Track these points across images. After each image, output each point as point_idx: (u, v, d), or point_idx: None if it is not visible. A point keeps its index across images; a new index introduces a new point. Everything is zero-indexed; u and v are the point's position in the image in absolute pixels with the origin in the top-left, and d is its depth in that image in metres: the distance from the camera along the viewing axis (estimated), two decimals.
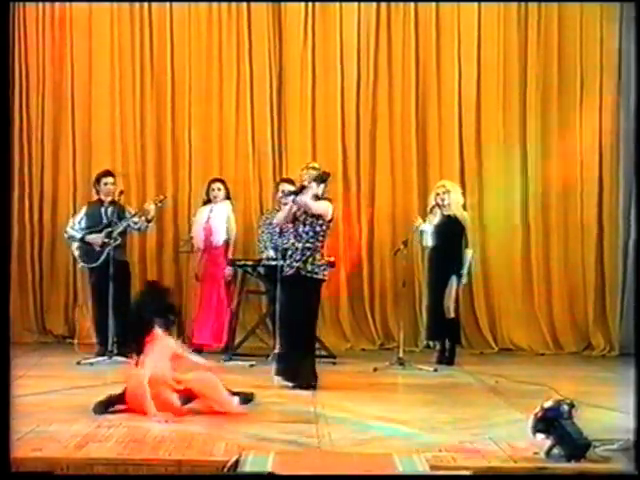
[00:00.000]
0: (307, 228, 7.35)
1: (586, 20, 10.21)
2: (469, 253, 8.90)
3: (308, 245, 7.32)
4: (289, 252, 7.46)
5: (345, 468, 4.64)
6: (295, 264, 7.32)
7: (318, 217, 7.39)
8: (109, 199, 9.00)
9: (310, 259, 7.30)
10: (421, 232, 8.96)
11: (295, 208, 7.44)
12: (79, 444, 5.09)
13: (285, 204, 7.95)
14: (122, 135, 10.36)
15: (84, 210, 9.15)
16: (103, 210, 8.97)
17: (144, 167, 10.35)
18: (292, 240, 7.45)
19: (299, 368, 7.24)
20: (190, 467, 4.74)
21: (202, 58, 10.39)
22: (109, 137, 10.36)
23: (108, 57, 10.36)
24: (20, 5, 10.15)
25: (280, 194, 8.95)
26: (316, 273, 7.33)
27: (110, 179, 9.04)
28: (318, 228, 7.38)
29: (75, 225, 9.02)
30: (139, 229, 9.08)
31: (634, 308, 9.63)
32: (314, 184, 7.43)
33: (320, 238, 7.38)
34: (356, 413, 6.25)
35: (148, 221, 9.02)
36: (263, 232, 9.26)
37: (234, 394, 6.29)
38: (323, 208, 7.39)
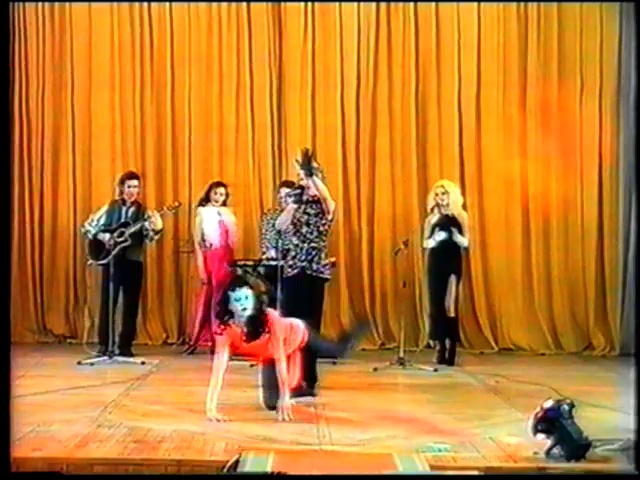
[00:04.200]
0: (311, 228, 7.35)
1: (586, 20, 10.20)
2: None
3: (313, 245, 7.32)
4: (292, 253, 7.45)
5: (345, 468, 4.64)
6: (300, 264, 7.31)
7: (321, 217, 7.39)
8: (132, 200, 9.02)
9: (315, 258, 7.30)
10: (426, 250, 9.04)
11: (294, 210, 7.43)
12: (79, 444, 5.09)
13: (286, 205, 7.95)
14: (122, 135, 10.37)
15: (105, 208, 9.14)
16: (124, 210, 9.00)
17: (144, 167, 10.33)
18: (295, 241, 7.44)
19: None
20: (190, 467, 4.74)
21: (202, 58, 10.39)
22: (109, 137, 10.36)
23: (108, 57, 10.36)
24: (20, 5, 10.15)
25: (280, 198, 8.97)
26: (322, 272, 7.35)
27: (134, 182, 9.09)
28: (322, 228, 7.38)
29: (93, 222, 9.02)
30: (146, 236, 9.05)
31: (634, 308, 9.63)
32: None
33: (324, 237, 7.40)
34: (356, 413, 6.26)
35: (155, 232, 9.02)
36: (267, 232, 9.25)
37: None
38: (328, 196, 7.39)
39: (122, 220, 8.92)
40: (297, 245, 7.41)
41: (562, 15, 10.24)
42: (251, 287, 6.09)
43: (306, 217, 7.38)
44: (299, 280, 7.31)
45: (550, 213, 10.23)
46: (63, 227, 10.25)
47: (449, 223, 8.80)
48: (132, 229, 8.85)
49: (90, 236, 8.96)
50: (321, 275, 7.33)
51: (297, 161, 7.40)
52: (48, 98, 10.35)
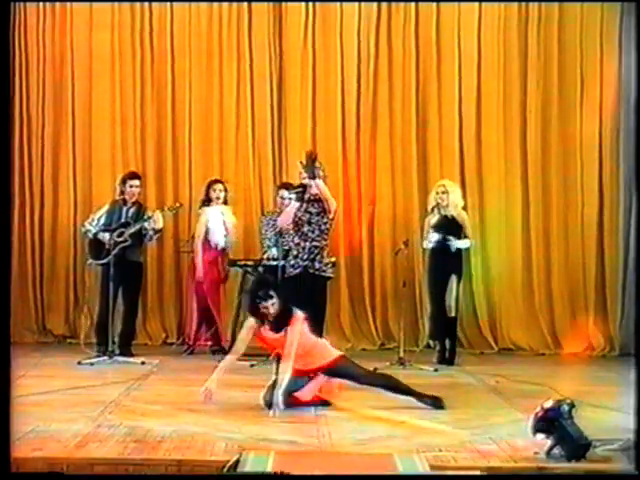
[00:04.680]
0: (313, 227, 7.39)
1: (586, 20, 10.20)
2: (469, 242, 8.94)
3: (315, 244, 7.36)
4: (293, 252, 7.46)
5: (345, 468, 4.64)
6: (302, 263, 7.33)
7: (322, 216, 7.42)
8: (133, 200, 9.02)
9: (318, 257, 7.35)
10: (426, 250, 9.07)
11: (296, 209, 7.44)
12: (79, 444, 5.09)
13: (286, 206, 7.96)
14: (122, 135, 10.38)
15: (106, 208, 9.14)
16: (125, 210, 8.99)
17: (144, 167, 10.34)
18: (297, 240, 7.45)
19: None
20: (190, 467, 4.74)
21: (202, 58, 10.39)
22: (109, 137, 10.37)
23: (108, 57, 10.37)
24: (20, 5, 10.15)
25: (279, 199, 8.97)
26: (324, 271, 7.41)
27: (136, 182, 9.10)
28: (323, 226, 7.43)
29: (94, 221, 9.03)
30: (145, 236, 9.04)
31: (634, 308, 9.63)
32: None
33: (325, 236, 7.46)
34: (356, 413, 6.25)
35: (155, 231, 9.01)
36: (266, 232, 9.25)
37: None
38: (330, 196, 7.46)
39: (123, 220, 8.92)
40: (299, 244, 7.42)
41: (562, 15, 10.23)
42: (276, 292, 6.30)
43: (308, 216, 7.41)
44: (301, 279, 7.33)
45: (550, 213, 10.24)
46: (63, 227, 10.24)
47: (447, 224, 8.81)
48: (132, 229, 8.85)
49: (90, 235, 8.97)
50: (323, 274, 7.39)
51: (301, 163, 7.45)
52: (48, 98, 10.35)
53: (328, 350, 6.53)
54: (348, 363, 6.59)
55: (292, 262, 7.47)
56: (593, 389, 7.27)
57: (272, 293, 6.28)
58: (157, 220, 8.96)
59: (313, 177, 7.38)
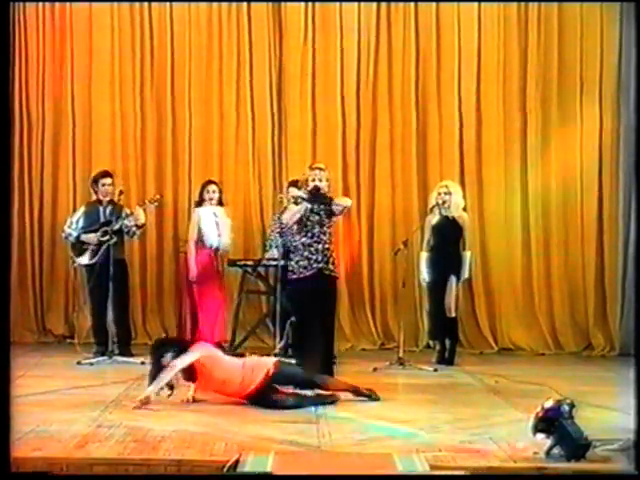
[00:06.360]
0: (324, 229, 7.42)
1: (586, 20, 10.21)
2: (468, 255, 8.92)
3: (327, 245, 7.41)
4: (304, 253, 7.42)
5: (345, 468, 4.64)
6: (316, 265, 7.34)
7: (330, 218, 7.46)
8: (107, 199, 9.00)
9: (331, 259, 7.41)
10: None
11: (303, 211, 7.45)
12: (79, 444, 5.09)
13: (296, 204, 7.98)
14: (122, 135, 10.38)
15: (82, 209, 9.14)
16: (102, 210, 8.96)
17: (144, 167, 10.36)
18: (308, 241, 7.43)
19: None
20: (190, 467, 4.74)
21: (202, 58, 10.40)
22: (109, 137, 10.37)
23: (108, 57, 10.37)
24: (20, 5, 10.16)
25: (290, 197, 8.93)
26: (335, 271, 7.47)
27: (108, 180, 9.03)
28: (330, 228, 7.49)
29: (72, 224, 9.01)
30: (127, 232, 9.01)
31: (634, 308, 9.63)
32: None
33: (332, 238, 7.52)
34: (356, 413, 6.25)
35: (138, 227, 8.98)
36: (272, 231, 9.24)
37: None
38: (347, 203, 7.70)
39: (102, 220, 8.89)
40: (310, 245, 7.41)
41: (562, 15, 10.24)
42: (171, 345, 6.56)
43: (317, 217, 7.42)
44: (317, 280, 7.34)
45: (550, 213, 10.24)
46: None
47: (448, 225, 8.80)
48: (115, 226, 8.82)
49: (72, 239, 8.95)
50: (335, 274, 7.45)
51: (304, 192, 7.48)
52: (48, 98, 10.35)
53: (263, 360, 6.64)
54: (287, 365, 6.70)
55: (303, 263, 7.43)
56: (593, 389, 7.27)
57: (169, 348, 6.45)
58: (138, 215, 8.92)
59: (330, 205, 7.55)
